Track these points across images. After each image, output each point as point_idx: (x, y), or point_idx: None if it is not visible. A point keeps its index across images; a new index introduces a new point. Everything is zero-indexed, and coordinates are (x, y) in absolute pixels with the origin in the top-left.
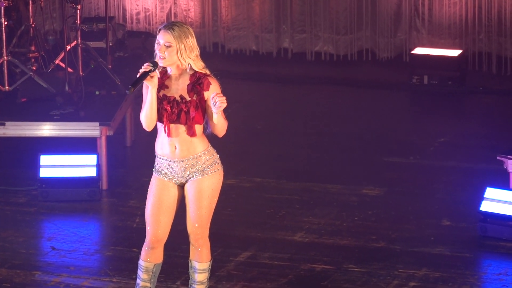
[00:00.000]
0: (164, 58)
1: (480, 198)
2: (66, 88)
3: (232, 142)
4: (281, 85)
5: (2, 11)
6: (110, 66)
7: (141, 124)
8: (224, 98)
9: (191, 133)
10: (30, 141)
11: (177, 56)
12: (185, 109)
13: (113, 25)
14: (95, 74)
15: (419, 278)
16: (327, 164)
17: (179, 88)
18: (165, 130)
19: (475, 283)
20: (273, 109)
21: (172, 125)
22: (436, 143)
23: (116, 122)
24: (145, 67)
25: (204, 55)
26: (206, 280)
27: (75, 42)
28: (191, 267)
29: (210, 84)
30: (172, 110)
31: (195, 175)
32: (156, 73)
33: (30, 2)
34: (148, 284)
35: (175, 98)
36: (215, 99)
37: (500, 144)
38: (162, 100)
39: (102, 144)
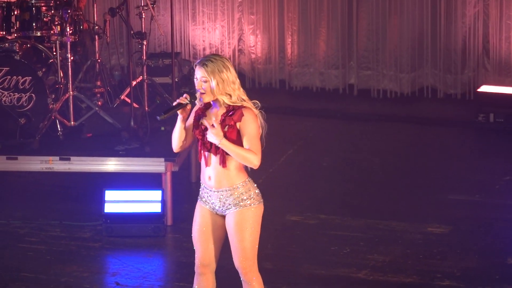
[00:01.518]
0: (204, 93)
1: None
2: (132, 123)
3: (297, 179)
4: (346, 122)
5: (69, 46)
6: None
7: None
8: (217, 129)
9: (223, 163)
10: (95, 176)
11: (214, 92)
12: None
13: (179, 60)
14: (161, 110)
15: None
16: (391, 201)
17: (214, 118)
18: (199, 158)
19: None
20: (338, 146)
21: (207, 154)
22: (502, 181)
23: (181, 158)
24: (182, 99)
25: (270, 92)
26: None
27: (140, 78)
28: None
29: (243, 115)
30: (204, 140)
31: (231, 208)
32: (189, 105)
33: (96, 37)
34: None
35: (206, 127)
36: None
37: None
38: (196, 129)
39: (167, 180)
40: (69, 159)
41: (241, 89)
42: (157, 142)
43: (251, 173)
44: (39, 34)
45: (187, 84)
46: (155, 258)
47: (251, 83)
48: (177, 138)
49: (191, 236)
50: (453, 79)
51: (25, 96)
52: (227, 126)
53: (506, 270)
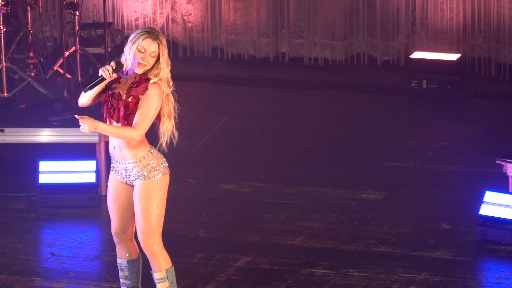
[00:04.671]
0: (145, 66)
1: (480, 201)
2: (65, 94)
3: (230, 147)
4: (279, 90)
5: (1, 18)
6: None
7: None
8: (86, 124)
9: None
10: (29, 147)
11: (157, 66)
12: (115, 106)
13: (111, 30)
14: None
15: (419, 282)
16: (326, 169)
17: (124, 85)
18: (104, 121)
19: (475, 286)
20: (271, 114)
21: (113, 121)
22: (435, 147)
23: None
24: (107, 71)
25: (203, 60)
26: None
27: (73, 48)
28: (153, 278)
29: (147, 89)
30: (108, 105)
31: (136, 179)
32: (117, 75)
33: (29, 8)
34: (127, 281)
35: (113, 93)
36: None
37: (499, 148)
38: (102, 93)
39: (101, 150)
40: (3, 131)
41: (169, 73)
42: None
43: (183, 142)
44: None
45: (120, 54)
46: (90, 228)
47: (183, 51)
48: (89, 96)
49: None
50: (386, 46)
51: None
52: (131, 97)
53: (440, 235)
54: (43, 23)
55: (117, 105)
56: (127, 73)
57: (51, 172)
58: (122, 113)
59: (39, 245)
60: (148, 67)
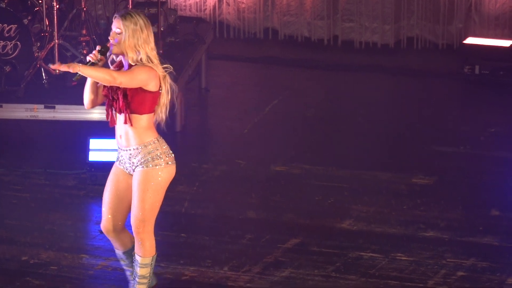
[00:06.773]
0: (114, 45)
1: None
2: None
3: (281, 129)
4: (332, 73)
5: None
6: (161, 51)
7: (191, 110)
8: (66, 65)
9: (127, 122)
10: (80, 124)
11: (123, 44)
12: (115, 97)
13: (164, 10)
14: None
15: (467, 267)
16: (376, 152)
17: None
18: (107, 116)
19: None
20: (323, 97)
21: (115, 112)
22: (486, 133)
23: None
24: (93, 56)
25: (255, 41)
26: (148, 274)
27: None
28: (134, 260)
29: (133, 65)
30: (109, 98)
31: (139, 166)
32: (104, 58)
33: None
34: (130, 268)
35: (112, 85)
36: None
37: None
38: (104, 87)
39: None
40: (54, 107)
41: (154, 53)
42: None
43: (234, 123)
44: None
45: (173, 34)
46: None
47: (236, 33)
48: (87, 93)
49: (174, 185)
50: (439, 30)
51: (11, 44)
52: None
53: (490, 221)
54: (96, 1)
55: (116, 96)
56: (120, 62)
57: (101, 150)
58: (121, 102)
59: (87, 223)
60: (117, 46)
